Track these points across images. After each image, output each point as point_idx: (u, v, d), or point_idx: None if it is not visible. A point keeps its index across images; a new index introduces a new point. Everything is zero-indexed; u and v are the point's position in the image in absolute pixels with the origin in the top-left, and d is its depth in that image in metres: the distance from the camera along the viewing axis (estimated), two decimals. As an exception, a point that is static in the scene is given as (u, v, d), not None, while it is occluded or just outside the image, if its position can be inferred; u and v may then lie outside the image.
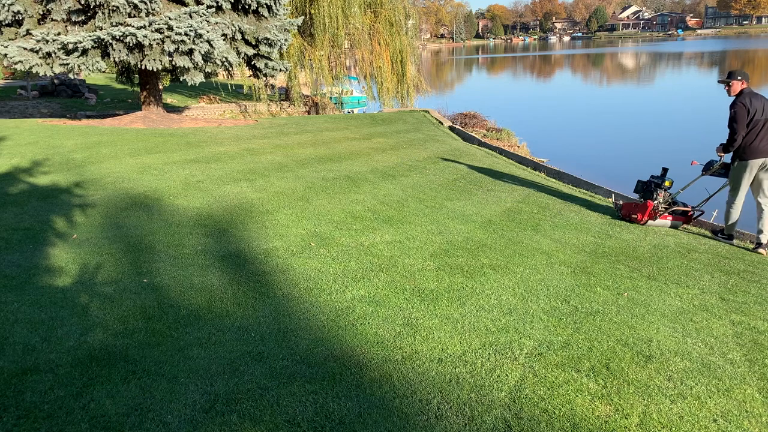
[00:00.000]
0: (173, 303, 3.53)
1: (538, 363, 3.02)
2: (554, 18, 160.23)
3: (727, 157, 6.13)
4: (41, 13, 10.06)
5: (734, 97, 5.87)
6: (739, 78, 5.87)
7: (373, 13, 18.11)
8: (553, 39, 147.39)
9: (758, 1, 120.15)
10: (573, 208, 6.96)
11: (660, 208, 6.47)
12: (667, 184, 6.55)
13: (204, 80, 11.78)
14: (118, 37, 9.62)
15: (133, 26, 9.58)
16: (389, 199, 6.48)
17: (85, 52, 9.85)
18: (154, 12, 9.93)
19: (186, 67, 10.44)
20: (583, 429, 2.51)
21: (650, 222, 6.49)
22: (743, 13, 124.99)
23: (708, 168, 6.29)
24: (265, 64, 12.15)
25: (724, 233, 6.28)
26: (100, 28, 9.76)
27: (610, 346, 3.25)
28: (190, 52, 10.16)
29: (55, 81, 18.68)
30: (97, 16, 9.82)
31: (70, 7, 9.91)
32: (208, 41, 10.13)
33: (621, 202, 6.87)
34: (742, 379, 3.00)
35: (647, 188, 6.61)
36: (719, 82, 6.09)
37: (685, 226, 6.68)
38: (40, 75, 10.26)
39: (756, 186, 5.87)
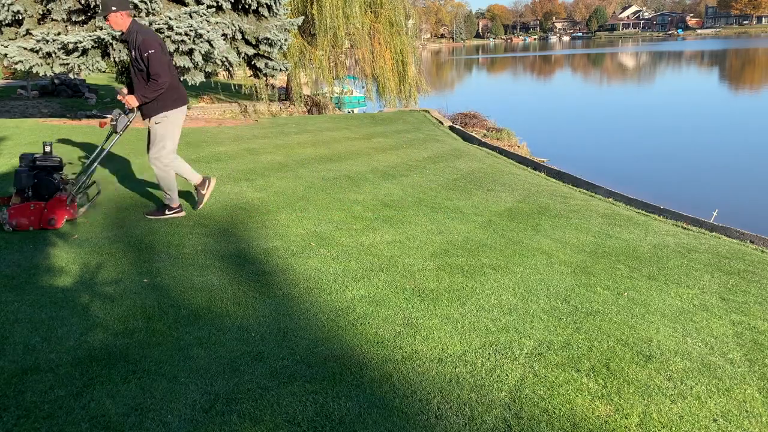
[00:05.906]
0: (173, 303, 3.53)
1: (538, 363, 3.02)
2: (554, 18, 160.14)
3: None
4: (41, 12, 10.05)
5: (137, 33, 4.54)
6: (114, 9, 4.45)
7: (373, 13, 18.10)
8: (553, 39, 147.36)
9: (758, 1, 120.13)
10: (573, 208, 6.95)
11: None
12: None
13: (204, 80, 11.78)
14: (118, 37, 9.62)
15: (133, 26, 9.58)
16: (389, 199, 6.48)
17: (85, 51, 9.85)
18: (154, 12, 9.93)
19: (186, 67, 10.44)
20: (583, 429, 2.51)
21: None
22: (743, 13, 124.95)
23: (121, 124, 4.84)
24: (266, 64, 12.14)
25: (171, 206, 5.09)
26: (101, 28, 9.76)
27: (610, 346, 3.25)
28: (191, 52, 10.15)
29: (55, 81, 18.65)
30: (98, 16, 9.83)
31: (70, 7, 9.90)
32: (209, 41, 10.13)
33: (7, 211, 4.63)
34: (743, 379, 3.00)
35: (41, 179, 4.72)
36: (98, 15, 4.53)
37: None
38: (40, 75, 10.23)
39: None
